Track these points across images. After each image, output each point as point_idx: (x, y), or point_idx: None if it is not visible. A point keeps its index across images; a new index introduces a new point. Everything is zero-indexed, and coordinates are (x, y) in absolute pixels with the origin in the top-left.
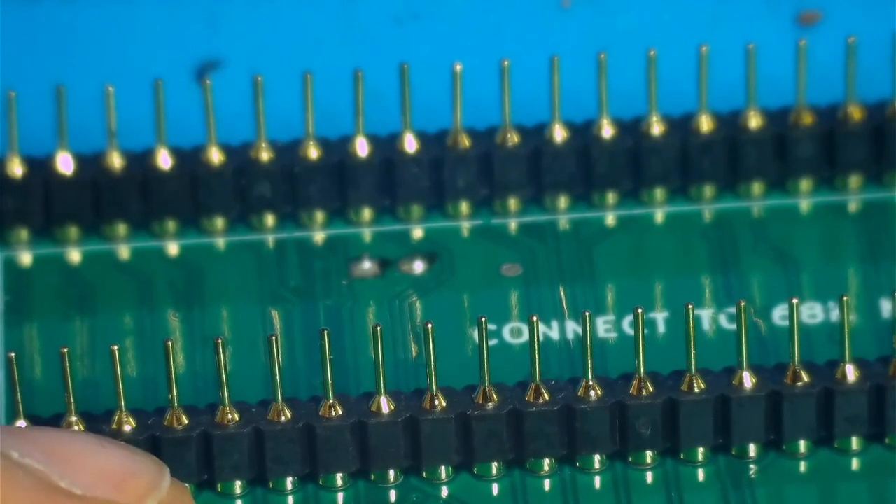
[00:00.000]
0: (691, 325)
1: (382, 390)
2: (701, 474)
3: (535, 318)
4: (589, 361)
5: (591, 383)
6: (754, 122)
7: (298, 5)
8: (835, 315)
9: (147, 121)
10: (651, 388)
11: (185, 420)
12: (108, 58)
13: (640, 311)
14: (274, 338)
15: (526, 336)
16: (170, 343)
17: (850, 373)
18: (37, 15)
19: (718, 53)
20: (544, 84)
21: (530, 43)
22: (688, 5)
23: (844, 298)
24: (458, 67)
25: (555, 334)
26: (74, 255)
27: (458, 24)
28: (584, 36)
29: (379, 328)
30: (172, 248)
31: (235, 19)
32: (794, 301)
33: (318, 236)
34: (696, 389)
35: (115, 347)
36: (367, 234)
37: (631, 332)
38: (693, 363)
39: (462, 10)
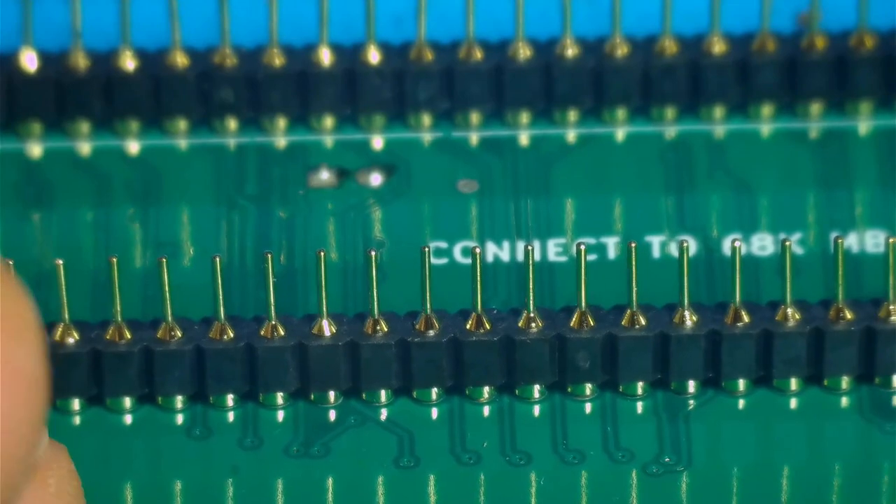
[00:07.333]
0: (634, 263)
1: (325, 313)
2: (639, 407)
3: (477, 250)
4: (531, 294)
5: (532, 315)
6: (718, 47)
7: None
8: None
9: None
10: (592, 322)
11: (127, 335)
12: None
13: (582, 247)
14: (217, 258)
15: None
16: (114, 259)
17: (791, 316)
18: None
19: None
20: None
21: None
22: None
23: (787, 243)
24: None
25: (505, 255)
26: (35, 150)
27: None
28: None
29: (322, 253)
30: (133, 148)
31: None
32: (737, 244)
33: (280, 142)
34: (637, 326)
35: (60, 262)
36: (328, 141)
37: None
38: (635, 299)
39: None
